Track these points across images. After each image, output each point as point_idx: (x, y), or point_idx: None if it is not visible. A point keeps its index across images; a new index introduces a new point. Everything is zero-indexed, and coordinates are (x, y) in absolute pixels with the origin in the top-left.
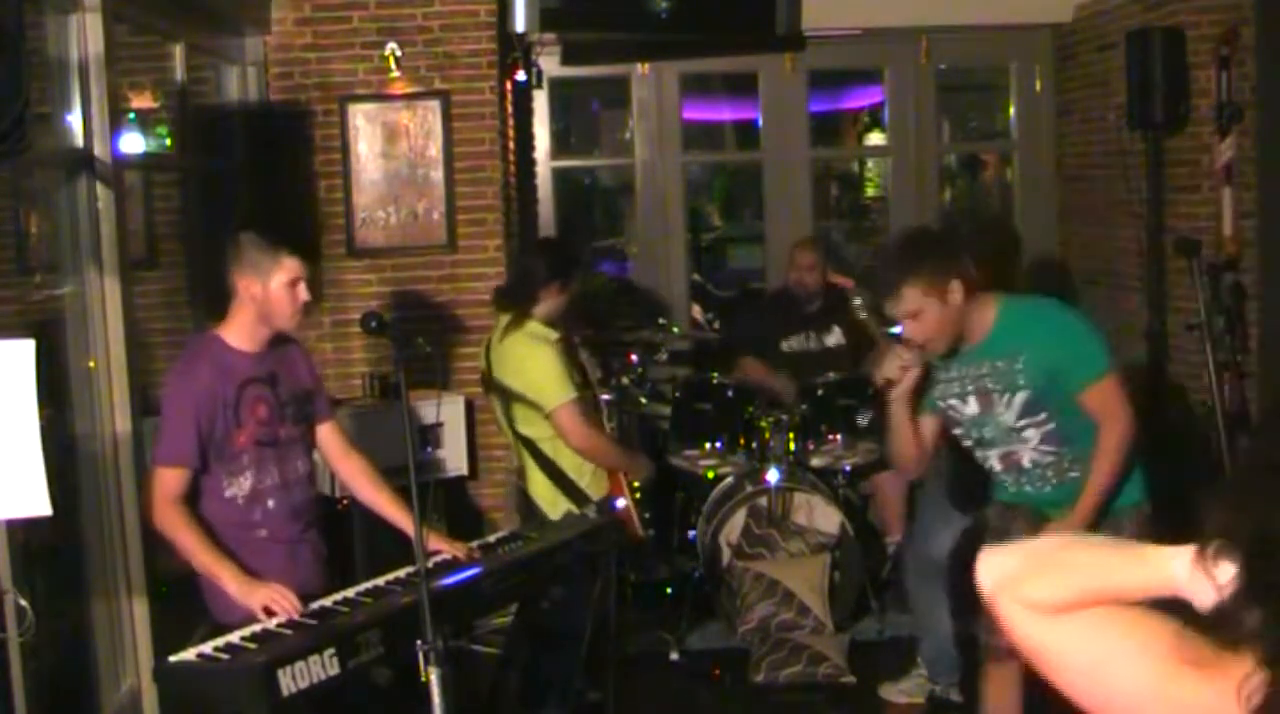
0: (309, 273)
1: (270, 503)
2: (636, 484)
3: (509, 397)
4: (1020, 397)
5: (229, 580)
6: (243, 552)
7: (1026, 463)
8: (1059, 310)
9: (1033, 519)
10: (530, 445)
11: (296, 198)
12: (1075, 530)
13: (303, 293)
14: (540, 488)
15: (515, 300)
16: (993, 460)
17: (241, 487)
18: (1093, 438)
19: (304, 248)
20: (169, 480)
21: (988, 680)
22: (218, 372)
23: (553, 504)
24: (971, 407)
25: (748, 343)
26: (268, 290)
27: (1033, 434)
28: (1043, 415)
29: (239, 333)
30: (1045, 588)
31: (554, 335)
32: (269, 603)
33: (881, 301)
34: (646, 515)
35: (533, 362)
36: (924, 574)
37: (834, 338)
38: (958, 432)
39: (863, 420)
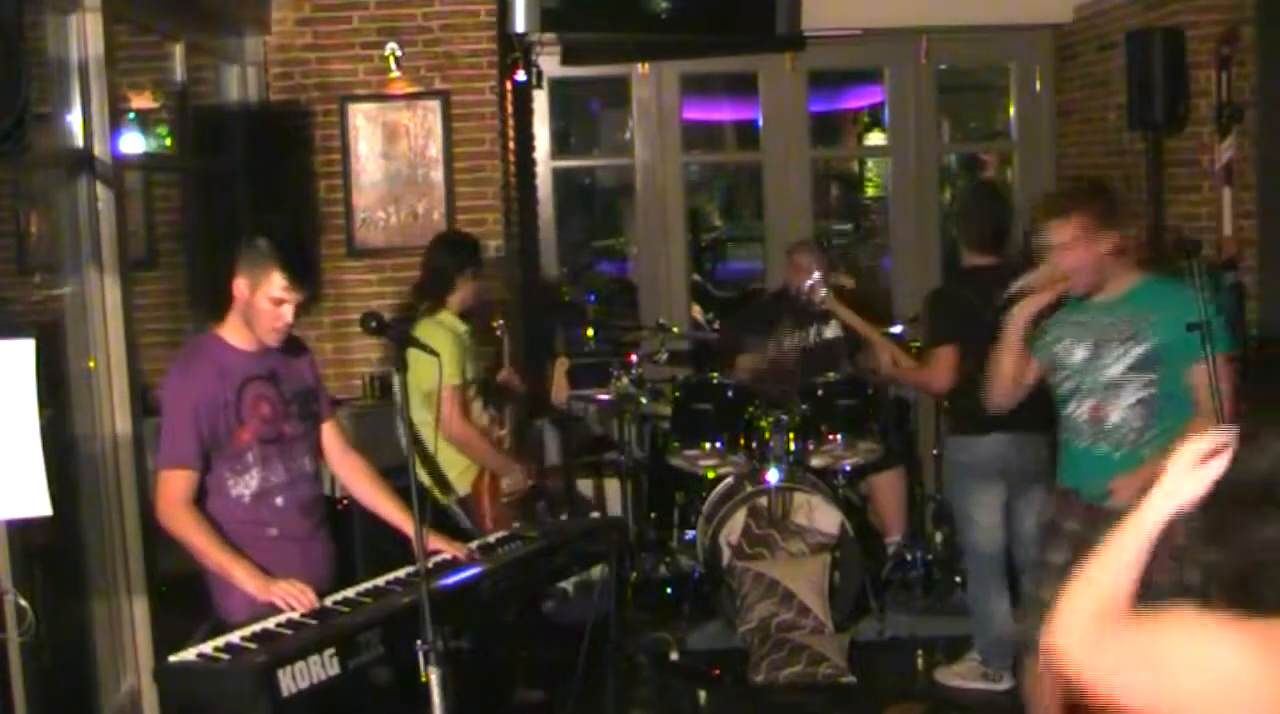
0: (296, 298)
1: (279, 500)
2: (506, 490)
3: (404, 379)
4: (1140, 349)
5: (245, 578)
6: (254, 551)
7: (1114, 419)
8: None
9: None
10: (415, 432)
11: (296, 198)
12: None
13: (286, 315)
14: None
15: (431, 293)
16: (1083, 411)
17: (248, 485)
18: (1178, 431)
19: (299, 271)
20: (174, 483)
21: (1035, 679)
22: (217, 372)
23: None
24: (1080, 353)
25: (742, 344)
26: (253, 298)
27: (1131, 393)
28: (1150, 375)
29: (237, 332)
30: (1087, 603)
31: (462, 327)
32: (288, 598)
33: (1040, 222)
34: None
35: (429, 341)
36: (978, 564)
37: (832, 330)
38: (1058, 377)
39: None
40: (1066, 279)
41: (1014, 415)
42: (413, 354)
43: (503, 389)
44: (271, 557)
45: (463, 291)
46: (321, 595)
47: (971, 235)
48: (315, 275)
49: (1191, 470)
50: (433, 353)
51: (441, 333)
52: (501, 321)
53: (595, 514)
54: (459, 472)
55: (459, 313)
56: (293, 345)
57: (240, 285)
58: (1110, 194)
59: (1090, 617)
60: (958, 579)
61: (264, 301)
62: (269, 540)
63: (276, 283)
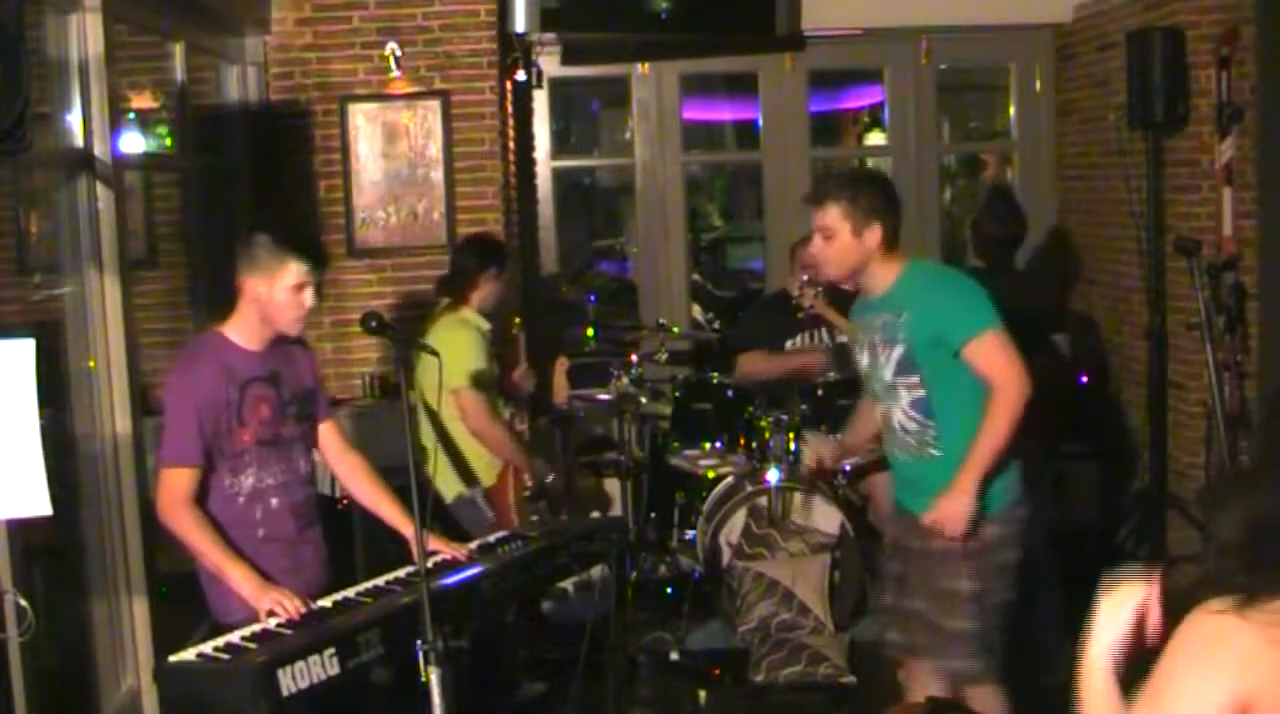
0: (317, 278)
1: (273, 502)
2: (529, 483)
3: (409, 378)
4: (898, 351)
5: (241, 581)
6: (244, 551)
7: (895, 424)
8: (949, 273)
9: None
10: (435, 420)
11: (296, 198)
12: (959, 496)
13: (308, 298)
14: (439, 470)
15: (453, 289)
16: (878, 415)
17: (243, 486)
18: (961, 425)
19: (314, 253)
20: (176, 481)
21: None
22: (221, 370)
23: (446, 483)
24: (865, 359)
25: (749, 345)
26: (272, 293)
27: (904, 395)
28: (915, 377)
29: (243, 331)
30: None
31: (485, 325)
32: (275, 607)
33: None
34: (535, 517)
35: (451, 339)
36: None
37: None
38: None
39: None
40: (818, 269)
41: None
42: (440, 345)
43: (516, 386)
44: (260, 558)
45: (484, 291)
46: (313, 598)
47: (975, 241)
48: (325, 252)
49: (1115, 614)
50: (433, 353)
51: (465, 331)
52: (519, 321)
53: (595, 514)
54: (485, 465)
55: (480, 311)
56: (296, 346)
57: (254, 285)
58: (877, 185)
59: None
60: None
61: (283, 293)
62: (257, 542)
63: (294, 270)
